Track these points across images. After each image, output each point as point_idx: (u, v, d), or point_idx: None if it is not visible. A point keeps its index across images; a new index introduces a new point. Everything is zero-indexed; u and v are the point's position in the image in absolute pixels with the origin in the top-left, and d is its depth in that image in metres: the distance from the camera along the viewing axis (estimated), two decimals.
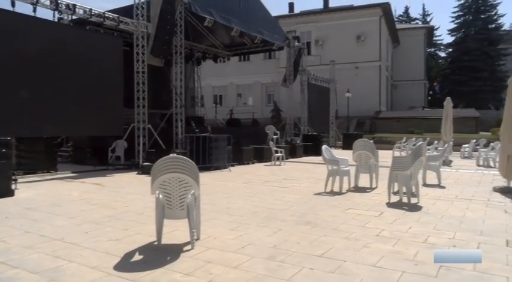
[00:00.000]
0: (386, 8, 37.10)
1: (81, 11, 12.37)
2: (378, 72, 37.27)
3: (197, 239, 4.97)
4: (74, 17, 12.61)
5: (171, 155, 5.56)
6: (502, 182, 9.51)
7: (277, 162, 15.37)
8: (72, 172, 11.97)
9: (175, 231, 5.28)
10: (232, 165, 14.05)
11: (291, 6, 46.90)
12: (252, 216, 6.40)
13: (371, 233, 5.42)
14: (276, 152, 15.55)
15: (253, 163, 15.66)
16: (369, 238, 5.16)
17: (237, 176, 12.03)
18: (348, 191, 8.86)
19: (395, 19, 50.28)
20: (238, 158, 14.97)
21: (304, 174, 12.60)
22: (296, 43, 22.15)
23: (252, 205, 7.35)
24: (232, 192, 8.95)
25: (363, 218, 6.30)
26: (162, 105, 16.30)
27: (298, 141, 20.58)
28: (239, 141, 15.48)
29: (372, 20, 36.81)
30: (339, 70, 29.05)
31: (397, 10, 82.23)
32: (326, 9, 42.71)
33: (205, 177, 10.99)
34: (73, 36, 12.36)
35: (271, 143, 16.34)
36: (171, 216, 4.90)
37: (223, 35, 19.73)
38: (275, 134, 19.60)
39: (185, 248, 4.71)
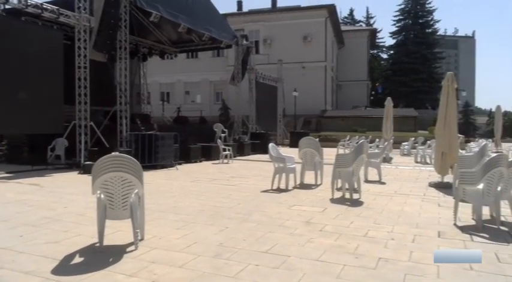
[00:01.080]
0: (331, 10, 38.22)
1: (15, 1, 11.61)
2: (324, 73, 38.32)
3: (141, 240, 4.85)
4: (7, 7, 11.81)
5: (113, 153, 5.39)
6: (437, 177, 10.07)
7: (225, 161, 15.36)
8: (7, 172, 11.23)
9: (118, 232, 5.12)
10: (180, 164, 13.85)
11: (240, 4, 47.05)
12: (199, 215, 6.35)
13: (315, 228, 5.57)
14: (224, 150, 15.53)
15: (200, 161, 15.54)
16: (313, 233, 5.30)
17: (184, 174, 11.88)
18: (293, 188, 9.04)
19: (341, 21, 51.96)
20: (186, 157, 14.78)
21: (252, 172, 12.70)
22: (244, 41, 22.22)
23: (198, 203, 7.29)
24: (179, 191, 8.83)
25: (308, 214, 6.45)
26: (106, 102, 15.71)
27: (246, 140, 20.68)
28: (186, 140, 15.29)
29: (318, 21, 37.76)
30: (286, 69, 29.54)
31: (343, 12, 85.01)
32: (274, 8, 43.28)
33: (151, 176, 10.76)
34: (6, 27, 11.56)
35: (219, 141, 16.30)
36: (113, 217, 4.75)
37: (170, 31, 19.35)
38: (223, 132, 19.56)
39: (128, 249, 4.58)
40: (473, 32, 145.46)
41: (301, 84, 33.03)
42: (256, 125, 24.05)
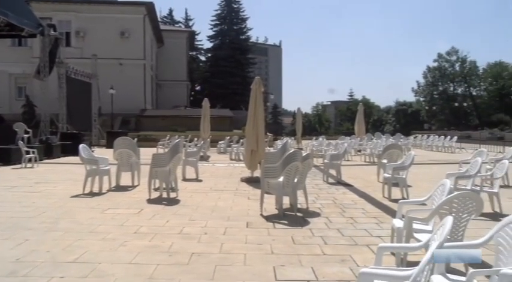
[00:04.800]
0: (150, 8, 37.60)
1: None
2: (143, 71, 37.50)
3: None
4: None
5: None
6: (248, 173, 10.95)
7: (29, 165, 13.58)
8: None
9: None
10: None
11: None
12: None
13: (129, 230, 5.42)
14: (27, 152, 13.72)
15: None
16: (127, 236, 5.14)
17: None
18: (108, 190, 8.60)
19: (160, 20, 51.64)
20: None
21: (61, 176, 11.54)
22: (52, 32, 20.00)
23: None
24: None
25: (123, 216, 6.23)
26: None
27: (55, 141, 18.69)
28: None
29: (136, 17, 36.70)
30: (102, 65, 27.88)
31: (162, 11, 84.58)
32: None
33: None
34: None
35: (20, 142, 14.30)
36: None
37: None
38: (26, 132, 17.27)
39: None
40: (280, 42, 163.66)
41: (119, 82, 31.62)
42: (67, 124, 21.99)
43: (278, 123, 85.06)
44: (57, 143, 18.47)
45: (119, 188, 8.93)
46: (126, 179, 9.34)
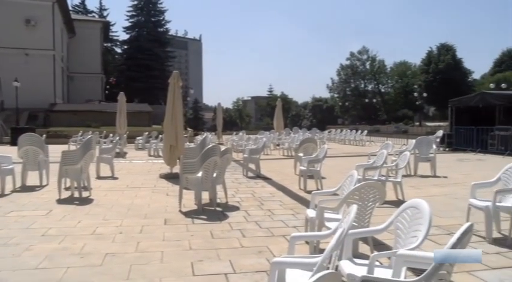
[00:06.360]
0: None
1: None
2: (52, 62, 34.95)
3: None
4: None
5: None
6: (167, 169, 10.75)
7: None
8: None
9: None
10: None
11: None
12: None
13: (36, 233, 5.04)
14: None
15: None
16: (33, 240, 4.78)
17: None
18: (12, 191, 7.93)
19: (71, 9, 48.49)
20: None
21: None
22: None
23: None
24: None
25: (28, 219, 5.78)
26: None
27: None
28: None
29: (44, 4, 34.04)
30: (3, 55, 25.60)
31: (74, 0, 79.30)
32: None
33: None
34: None
35: None
36: None
37: None
38: None
39: None
40: (200, 36, 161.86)
41: (25, 74, 29.21)
42: None
43: (199, 118, 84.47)
44: None
45: (25, 189, 8.25)
46: (33, 179, 8.66)
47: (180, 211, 6.38)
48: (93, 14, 62.97)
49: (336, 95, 78.00)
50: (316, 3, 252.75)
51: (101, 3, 67.71)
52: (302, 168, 8.84)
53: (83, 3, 65.16)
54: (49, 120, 32.37)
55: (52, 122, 31.84)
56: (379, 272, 2.76)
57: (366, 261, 2.98)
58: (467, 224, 2.18)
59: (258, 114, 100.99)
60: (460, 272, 3.74)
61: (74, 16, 45.29)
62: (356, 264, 3.04)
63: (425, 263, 2.23)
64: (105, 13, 65.72)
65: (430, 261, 2.11)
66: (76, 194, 7.36)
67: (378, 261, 3.17)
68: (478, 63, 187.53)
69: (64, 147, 15.47)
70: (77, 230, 5.29)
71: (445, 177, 10.21)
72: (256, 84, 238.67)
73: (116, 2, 69.49)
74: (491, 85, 39.37)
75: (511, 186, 4.93)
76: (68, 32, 43.43)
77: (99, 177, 9.87)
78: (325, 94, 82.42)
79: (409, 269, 2.90)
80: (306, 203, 6.79)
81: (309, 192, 7.66)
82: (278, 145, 19.83)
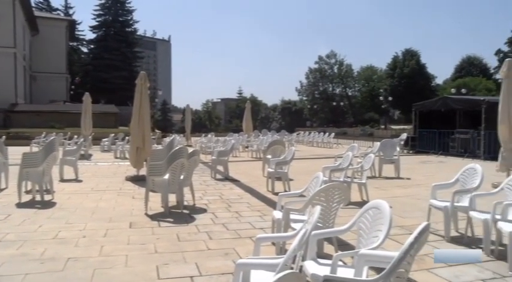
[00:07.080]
0: None
1: None
2: (13, 61, 33.66)
3: None
4: None
5: None
6: (133, 171, 10.56)
7: None
8: None
9: None
10: None
11: None
12: None
13: None
14: None
15: None
16: None
17: None
18: None
19: (34, 6, 46.85)
20: None
21: None
22: None
23: None
24: None
25: None
26: None
27: None
28: None
29: (4, 0, 32.72)
30: None
31: None
32: None
33: None
34: None
35: None
36: None
37: None
38: None
39: None
40: (169, 37, 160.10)
41: None
42: None
43: (167, 119, 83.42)
44: None
45: None
46: None
47: (146, 214, 6.30)
48: (58, 12, 61.18)
49: (304, 98, 78.87)
50: (285, 7, 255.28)
51: (66, 1, 65.57)
52: (270, 170, 8.90)
53: (47, 0, 63.25)
54: (10, 121, 31.12)
55: (13, 122, 30.61)
56: (342, 272, 2.82)
57: (330, 261, 3.03)
58: (424, 223, 2.26)
59: (228, 116, 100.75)
60: (420, 270, 3.88)
61: (37, 13, 43.81)
62: (320, 264, 3.09)
63: (386, 262, 2.29)
64: (70, 11, 63.97)
65: (391, 260, 2.17)
66: (38, 198, 7.12)
67: (341, 261, 3.24)
68: (440, 69, 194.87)
69: (26, 149, 14.94)
70: (38, 234, 5.12)
71: (409, 178, 10.51)
72: (225, 86, 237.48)
73: (82, 0, 67.66)
74: (453, 90, 40.95)
75: (468, 187, 5.14)
76: (31, 30, 41.95)
77: (62, 180, 9.59)
78: (295, 97, 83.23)
79: (371, 268, 2.97)
80: (273, 205, 6.83)
81: (277, 194, 7.67)
82: (247, 147, 19.85)
